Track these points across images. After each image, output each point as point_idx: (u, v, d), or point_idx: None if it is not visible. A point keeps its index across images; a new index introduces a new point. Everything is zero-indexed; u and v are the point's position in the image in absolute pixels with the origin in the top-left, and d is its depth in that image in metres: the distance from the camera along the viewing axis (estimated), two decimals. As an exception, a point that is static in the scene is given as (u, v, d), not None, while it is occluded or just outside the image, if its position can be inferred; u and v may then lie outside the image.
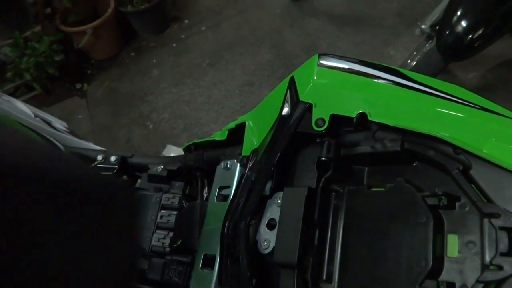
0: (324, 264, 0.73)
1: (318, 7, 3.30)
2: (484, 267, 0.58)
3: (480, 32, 1.64)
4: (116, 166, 1.10)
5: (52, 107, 3.21)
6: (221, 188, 0.91)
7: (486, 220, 0.60)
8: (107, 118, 3.09)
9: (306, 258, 0.72)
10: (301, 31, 3.18)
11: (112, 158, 1.11)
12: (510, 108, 0.68)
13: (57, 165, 0.39)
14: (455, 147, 0.65)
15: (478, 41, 1.66)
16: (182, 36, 3.50)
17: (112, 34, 3.46)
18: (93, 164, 1.11)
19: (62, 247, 0.37)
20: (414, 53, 2.08)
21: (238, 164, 0.89)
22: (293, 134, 0.78)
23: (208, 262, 0.86)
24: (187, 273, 0.94)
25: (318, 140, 0.78)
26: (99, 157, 1.11)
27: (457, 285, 0.60)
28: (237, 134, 0.95)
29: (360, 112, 0.73)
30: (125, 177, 1.13)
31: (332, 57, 0.82)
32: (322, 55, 0.82)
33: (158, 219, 0.99)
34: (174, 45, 3.45)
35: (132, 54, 3.50)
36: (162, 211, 1.00)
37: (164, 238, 0.97)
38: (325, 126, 0.75)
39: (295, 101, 0.80)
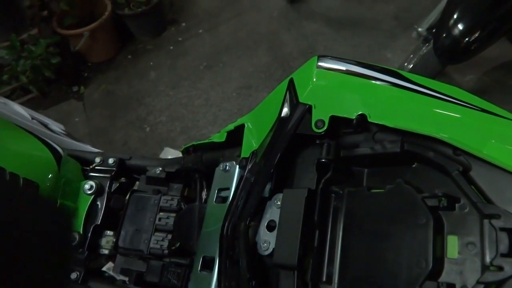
0: (324, 266, 0.73)
1: (315, 10, 3.31)
2: (485, 268, 0.58)
3: (476, 35, 1.64)
4: (114, 168, 1.09)
5: (49, 110, 3.19)
6: (220, 190, 0.91)
7: (486, 221, 0.60)
8: (104, 121, 3.09)
9: (306, 260, 0.72)
10: (299, 33, 3.19)
11: (110, 160, 1.11)
12: (508, 110, 0.68)
13: None
14: (455, 148, 0.65)
15: (475, 44, 1.66)
16: (179, 38, 3.50)
17: (109, 36, 3.45)
18: (91, 166, 1.11)
19: None
20: (411, 56, 2.08)
21: (237, 166, 0.89)
22: (293, 136, 0.78)
23: (207, 264, 0.86)
24: (186, 275, 0.93)
25: (317, 142, 0.78)
26: (97, 159, 1.11)
27: (457, 286, 0.60)
28: (236, 136, 0.95)
29: (360, 114, 0.73)
30: (123, 179, 1.12)
31: (331, 59, 0.82)
32: (321, 57, 0.83)
33: (157, 221, 0.99)
34: (171, 47, 3.45)
35: (129, 56, 3.50)
36: (161, 214, 1.00)
37: (162, 240, 0.97)
38: (325, 128, 0.75)
39: (294, 103, 0.80)
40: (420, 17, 2.20)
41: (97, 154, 1.14)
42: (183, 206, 1.00)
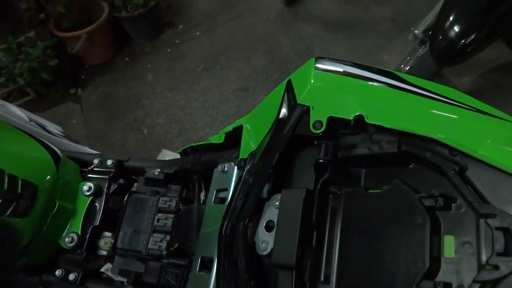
0: (322, 266, 0.73)
1: (312, 13, 3.32)
2: (481, 267, 0.59)
3: (472, 37, 1.65)
4: (112, 170, 1.10)
5: (46, 112, 3.19)
6: (218, 191, 0.91)
7: (482, 221, 0.61)
8: (102, 123, 3.08)
9: (304, 260, 0.72)
10: (295, 36, 3.20)
11: (109, 162, 1.11)
12: (504, 111, 0.69)
13: None
14: (451, 149, 0.66)
15: (471, 46, 1.67)
16: (177, 41, 3.51)
17: (106, 39, 3.45)
18: (89, 168, 1.11)
19: None
20: (408, 58, 2.10)
21: (236, 167, 0.90)
22: (291, 137, 0.79)
23: (206, 265, 0.86)
24: (184, 276, 0.94)
25: (315, 143, 0.78)
26: (96, 161, 1.11)
27: (454, 285, 0.60)
28: (234, 137, 0.95)
29: (357, 115, 0.73)
30: (121, 180, 1.13)
31: (329, 60, 0.83)
32: (319, 58, 0.83)
33: (155, 223, 0.99)
34: (169, 50, 3.46)
35: (127, 59, 3.50)
36: (159, 215, 1.00)
37: (161, 241, 0.97)
38: (323, 129, 0.75)
39: (292, 104, 0.81)
40: (417, 19, 2.22)
41: (95, 155, 1.14)
42: (181, 207, 1.00)
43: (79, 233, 1.01)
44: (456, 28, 1.65)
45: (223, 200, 0.90)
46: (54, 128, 1.57)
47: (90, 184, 1.05)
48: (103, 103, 3.22)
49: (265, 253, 0.76)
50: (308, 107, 0.78)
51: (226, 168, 0.91)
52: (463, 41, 1.65)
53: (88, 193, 1.04)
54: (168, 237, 0.97)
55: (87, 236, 1.02)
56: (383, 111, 0.72)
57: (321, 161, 0.76)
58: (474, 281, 0.58)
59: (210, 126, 2.81)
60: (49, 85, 3.25)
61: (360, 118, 0.73)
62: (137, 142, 2.88)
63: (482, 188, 0.63)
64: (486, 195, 0.62)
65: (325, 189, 0.77)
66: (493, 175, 0.62)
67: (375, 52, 2.90)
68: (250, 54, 3.18)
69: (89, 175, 1.10)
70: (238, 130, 0.95)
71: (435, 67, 1.93)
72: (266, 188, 0.81)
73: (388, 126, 0.70)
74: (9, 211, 0.86)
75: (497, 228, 0.59)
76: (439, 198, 0.65)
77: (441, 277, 0.62)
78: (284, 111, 0.83)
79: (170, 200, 1.01)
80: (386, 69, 0.79)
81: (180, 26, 3.62)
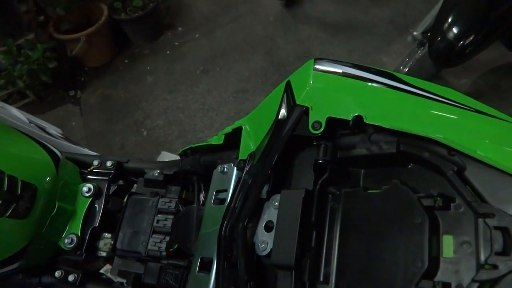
0: (321, 266, 0.73)
1: (311, 15, 3.33)
2: (479, 266, 0.59)
3: (471, 38, 1.65)
4: (112, 171, 1.10)
5: (46, 114, 3.19)
6: (218, 192, 0.92)
7: (480, 220, 0.61)
8: (101, 125, 3.09)
9: (304, 260, 0.72)
10: (294, 38, 3.21)
11: (108, 163, 1.11)
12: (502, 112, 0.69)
13: None
14: (449, 149, 0.66)
15: (469, 48, 1.68)
16: (176, 43, 3.51)
17: (106, 41, 3.46)
18: (89, 169, 1.11)
19: None
20: (406, 59, 2.10)
21: (235, 168, 0.90)
22: (290, 137, 0.79)
23: (205, 266, 0.86)
24: (184, 277, 0.94)
25: (314, 143, 0.78)
26: (95, 162, 1.12)
27: (453, 285, 0.60)
28: (233, 138, 0.96)
29: (356, 115, 0.73)
30: (121, 181, 1.13)
31: (328, 61, 0.83)
32: (318, 59, 0.83)
33: (155, 223, 0.99)
34: (168, 52, 3.46)
35: (126, 61, 3.50)
36: (159, 216, 1.00)
37: (160, 242, 0.97)
38: (322, 129, 0.76)
39: (291, 105, 0.81)
40: (415, 21, 2.23)
41: (95, 157, 1.14)
42: (181, 208, 1.00)
43: (79, 234, 1.01)
44: (454, 30, 1.65)
45: (222, 201, 0.90)
46: (53, 130, 1.57)
47: (90, 185, 1.05)
48: (103, 105, 3.23)
49: (264, 253, 0.76)
50: (307, 108, 0.78)
51: (225, 169, 0.91)
52: (461, 42, 1.65)
53: (87, 194, 1.04)
54: (167, 238, 0.97)
55: (87, 237, 1.02)
56: (381, 111, 0.72)
57: (320, 161, 0.76)
58: (473, 280, 0.58)
59: (210, 128, 2.81)
60: (48, 87, 3.25)
61: (359, 118, 0.73)
62: (136, 144, 2.89)
63: (480, 188, 0.63)
64: (485, 194, 0.62)
65: (324, 190, 0.77)
66: (491, 175, 0.62)
67: (374, 54, 2.90)
68: (249, 56, 3.19)
69: (89, 177, 1.10)
70: (238, 131, 0.95)
71: (434, 68, 1.94)
72: (265, 188, 0.81)
73: (387, 126, 0.70)
74: (9, 212, 0.86)
75: (496, 228, 0.59)
76: (438, 198, 0.65)
77: (440, 276, 0.62)
78: (283, 111, 0.83)
79: (170, 201, 1.01)
80: (384, 70, 0.79)
81: (180, 28, 3.62)
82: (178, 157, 1.17)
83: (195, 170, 1.03)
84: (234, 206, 0.82)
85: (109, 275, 1.03)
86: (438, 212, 0.65)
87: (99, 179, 1.09)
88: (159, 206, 1.01)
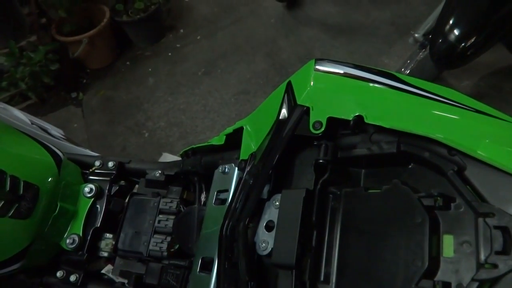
0: (322, 265, 0.74)
1: (313, 16, 3.33)
2: (479, 266, 0.59)
3: (472, 40, 1.65)
4: (113, 172, 1.10)
5: (48, 116, 3.20)
6: (219, 192, 0.92)
7: (481, 220, 0.61)
8: (103, 126, 3.09)
9: (304, 259, 0.72)
10: (296, 40, 3.21)
11: (110, 164, 1.11)
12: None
13: None
14: (450, 149, 0.66)
15: (471, 50, 1.68)
16: (178, 45, 3.52)
17: (108, 43, 3.46)
18: (91, 170, 1.12)
19: None
20: (408, 61, 2.10)
21: (236, 168, 0.90)
22: (291, 137, 0.79)
23: (206, 266, 0.87)
24: (185, 277, 0.94)
25: (315, 143, 0.79)
26: (97, 163, 1.12)
27: (453, 284, 0.61)
28: (235, 138, 0.96)
29: (357, 115, 0.74)
30: (122, 182, 1.13)
31: (328, 62, 0.83)
32: (319, 60, 0.84)
33: (156, 224, 1.00)
34: (170, 54, 3.47)
35: (128, 63, 3.51)
36: (160, 216, 1.01)
37: (161, 242, 0.97)
38: (322, 129, 0.76)
39: (292, 105, 0.82)
40: (417, 23, 2.23)
41: (96, 157, 1.15)
42: (182, 209, 1.01)
43: (80, 235, 1.01)
44: (456, 32, 1.65)
45: (223, 201, 0.90)
46: (55, 131, 1.57)
47: (92, 186, 1.05)
48: (104, 107, 3.23)
49: (265, 253, 0.76)
50: (308, 108, 0.79)
51: (226, 169, 0.91)
52: (463, 44, 1.65)
53: (89, 195, 1.04)
54: (169, 238, 0.98)
55: (88, 237, 1.02)
56: (382, 111, 0.73)
57: (321, 161, 0.76)
58: (473, 279, 0.58)
59: (211, 129, 2.81)
60: (50, 89, 3.25)
61: (359, 118, 0.74)
62: (138, 146, 2.89)
63: (480, 187, 0.63)
64: (485, 194, 0.62)
65: (325, 189, 0.77)
66: (491, 174, 0.62)
67: (376, 56, 2.90)
68: (250, 57, 3.19)
69: (91, 177, 1.11)
70: (239, 131, 0.96)
71: (435, 70, 1.94)
72: (266, 188, 0.82)
73: (387, 126, 0.71)
74: (11, 212, 0.87)
75: (496, 227, 0.59)
76: (438, 198, 0.66)
77: (440, 276, 0.62)
78: (284, 112, 0.83)
79: (171, 202, 1.01)
80: (385, 70, 0.80)
81: (181, 30, 3.63)
82: (179, 158, 1.17)
83: (196, 170, 1.03)
84: (235, 206, 0.82)
85: (110, 275, 1.03)
86: (439, 211, 0.66)
87: (100, 179, 1.09)
88: (160, 206, 1.02)
